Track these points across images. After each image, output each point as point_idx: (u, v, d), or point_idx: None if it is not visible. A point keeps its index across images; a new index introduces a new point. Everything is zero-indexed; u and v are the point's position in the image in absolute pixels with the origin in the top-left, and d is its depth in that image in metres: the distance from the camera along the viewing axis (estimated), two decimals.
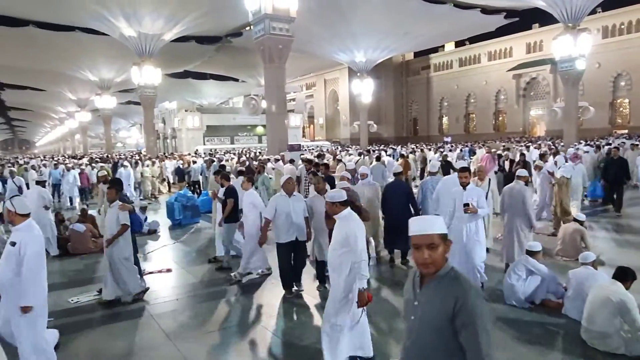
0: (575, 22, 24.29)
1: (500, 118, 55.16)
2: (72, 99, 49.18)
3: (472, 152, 23.35)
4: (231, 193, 7.33)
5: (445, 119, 62.13)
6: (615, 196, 10.93)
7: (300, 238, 6.03)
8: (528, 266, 5.48)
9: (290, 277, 6.15)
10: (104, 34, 28.85)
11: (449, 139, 45.48)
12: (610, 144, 18.37)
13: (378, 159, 14.29)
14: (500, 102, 54.28)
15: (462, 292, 1.90)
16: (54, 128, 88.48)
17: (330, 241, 5.38)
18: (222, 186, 7.72)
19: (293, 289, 6.14)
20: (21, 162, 28.39)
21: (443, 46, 56.80)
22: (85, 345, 4.91)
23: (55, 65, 36.88)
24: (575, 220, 7.64)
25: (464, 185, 5.72)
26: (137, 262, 6.61)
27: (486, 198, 7.46)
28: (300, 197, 6.31)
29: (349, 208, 4.19)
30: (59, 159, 28.80)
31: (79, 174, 16.71)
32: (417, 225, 2.01)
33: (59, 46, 31.96)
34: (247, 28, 30.03)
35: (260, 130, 45.67)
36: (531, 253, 5.62)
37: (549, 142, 28.35)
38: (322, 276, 6.28)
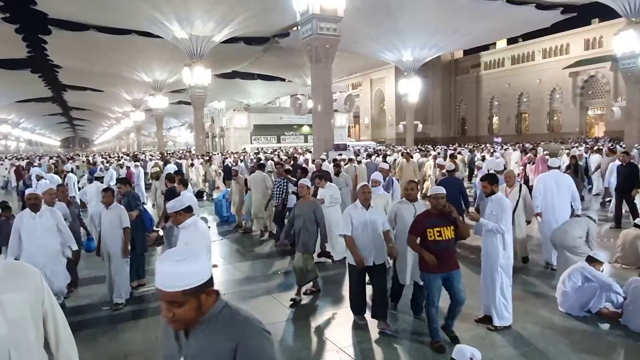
0: (639, 16, 22.88)
1: (554, 118, 52.80)
2: (128, 99, 51.59)
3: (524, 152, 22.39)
4: (172, 195, 7.32)
5: (495, 119, 60.22)
6: (628, 206, 9.80)
7: (377, 261, 4.93)
8: (585, 273, 5.21)
9: (361, 303, 5.17)
10: (158, 36, 30.08)
11: (499, 140, 44.03)
12: None
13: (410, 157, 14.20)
14: (555, 101, 51.93)
15: (242, 336, 1.53)
16: (110, 127, 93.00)
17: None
18: (166, 186, 8.09)
19: (382, 327, 4.92)
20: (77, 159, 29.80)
21: (494, 43, 54.98)
22: (144, 334, 5.15)
23: (113, 67, 38.82)
24: (636, 225, 7.20)
25: (486, 195, 5.06)
26: (142, 263, 6.79)
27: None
28: (380, 210, 5.18)
29: (194, 216, 4.07)
30: (93, 158, 29.87)
31: (126, 173, 16.50)
32: (161, 275, 1.50)
33: (117, 49, 33.62)
34: (294, 28, 30.38)
35: (306, 129, 46.00)
36: (590, 260, 5.33)
37: (609, 144, 26.82)
38: (396, 298, 5.52)
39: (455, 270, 4.46)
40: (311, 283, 6.18)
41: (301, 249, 5.87)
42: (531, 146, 24.23)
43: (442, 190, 4.53)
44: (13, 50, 35.28)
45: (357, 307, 5.15)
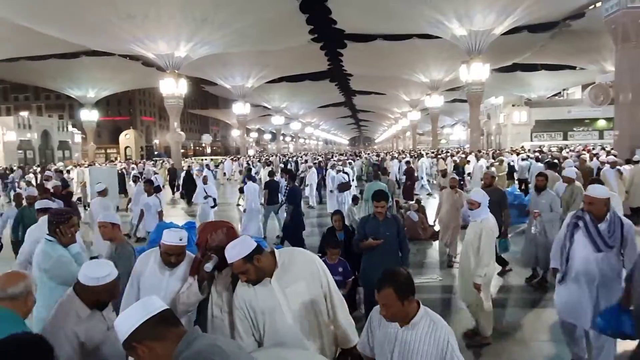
0: None
1: None
2: (406, 100, 54.88)
3: None
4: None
5: None
6: None
7: None
8: None
9: None
10: (436, 37, 30.78)
11: None
12: None
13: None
14: None
15: None
16: (389, 127, 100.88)
17: None
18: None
19: None
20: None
21: None
22: None
23: (394, 71, 41.97)
24: None
25: None
26: None
27: None
28: None
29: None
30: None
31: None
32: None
33: (398, 54, 36.16)
34: (591, 7, 26.39)
35: (601, 124, 39.43)
36: None
37: None
38: None
39: None
40: None
41: None
42: None
43: None
44: (318, 65, 42.43)
45: None
